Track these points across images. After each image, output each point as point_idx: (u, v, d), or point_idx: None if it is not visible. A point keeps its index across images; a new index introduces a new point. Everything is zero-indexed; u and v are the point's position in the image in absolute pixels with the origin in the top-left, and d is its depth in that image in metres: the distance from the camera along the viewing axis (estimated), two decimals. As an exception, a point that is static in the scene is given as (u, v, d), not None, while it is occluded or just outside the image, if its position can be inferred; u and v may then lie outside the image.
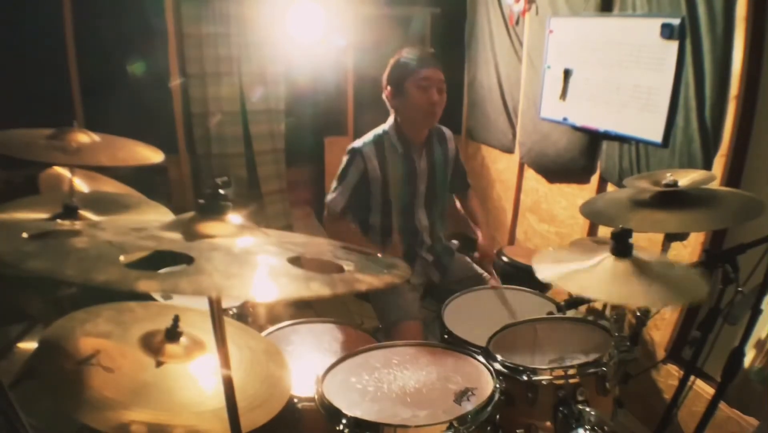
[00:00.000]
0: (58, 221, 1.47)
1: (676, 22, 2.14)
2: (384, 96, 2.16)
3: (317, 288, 0.75)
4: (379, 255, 1.01)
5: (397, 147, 2.15)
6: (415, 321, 2.04)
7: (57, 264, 0.70)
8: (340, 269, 0.87)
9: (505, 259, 2.75)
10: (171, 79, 3.31)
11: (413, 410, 1.30)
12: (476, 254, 2.34)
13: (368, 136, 2.18)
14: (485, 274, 2.30)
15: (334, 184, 2.18)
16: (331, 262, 0.92)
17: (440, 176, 2.25)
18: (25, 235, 0.78)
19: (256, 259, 0.82)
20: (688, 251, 2.18)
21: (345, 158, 2.16)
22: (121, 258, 0.73)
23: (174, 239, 0.83)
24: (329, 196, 2.17)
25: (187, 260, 0.76)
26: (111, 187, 2.03)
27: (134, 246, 0.78)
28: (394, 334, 1.97)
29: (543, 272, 1.43)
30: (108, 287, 0.66)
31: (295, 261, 0.84)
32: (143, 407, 1.01)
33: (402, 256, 2.16)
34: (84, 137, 1.64)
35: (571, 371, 1.44)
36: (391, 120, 2.18)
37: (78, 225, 0.90)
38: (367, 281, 0.84)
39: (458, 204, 2.48)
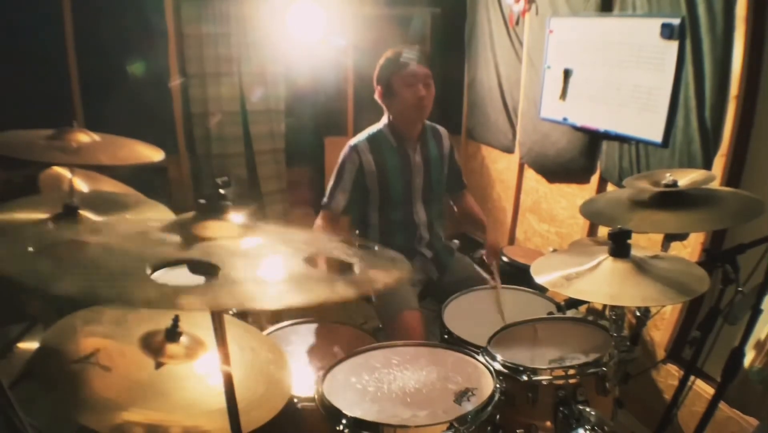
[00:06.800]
0: (50, 224, 1.45)
1: (676, 22, 2.14)
2: (375, 96, 2.19)
3: (343, 290, 0.74)
4: (376, 248, 1.01)
5: (391, 142, 2.18)
6: (415, 311, 2.03)
7: (88, 286, 0.67)
8: (347, 266, 0.87)
9: (505, 259, 2.75)
10: (171, 79, 3.31)
11: (413, 410, 1.30)
12: (483, 252, 2.30)
13: (362, 134, 2.21)
14: (486, 275, 2.28)
15: (330, 184, 2.18)
16: (335, 259, 0.91)
17: (436, 171, 2.26)
18: (30, 249, 0.77)
19: (277, 262, 0.81)
20: (688, 251, 2.18)
21: (340, 158, 2.18)
22: (148, 272, 0.70)
23: (193, 247, 0.82)
24: (327, 198, 2.16)
25: (200, 264, 0.74)
26: (111, 186, 2.02)
27: (153, 256, 0.76)
28: (394, 325, 1.96)
29: (542, 279, 1.44)
30: (149, 307, 0.64)
31: (310, 261, 0.83)
32: (142, 407, 1.01)
33: None
34: (84, 137, 1.64)
35: (571, 371, 1.44)
36: (384, 119, 2.22)
37: (79, 230, 0.88)
38: (381, 279, 0.83)
39: (455, 208, 2.47)
